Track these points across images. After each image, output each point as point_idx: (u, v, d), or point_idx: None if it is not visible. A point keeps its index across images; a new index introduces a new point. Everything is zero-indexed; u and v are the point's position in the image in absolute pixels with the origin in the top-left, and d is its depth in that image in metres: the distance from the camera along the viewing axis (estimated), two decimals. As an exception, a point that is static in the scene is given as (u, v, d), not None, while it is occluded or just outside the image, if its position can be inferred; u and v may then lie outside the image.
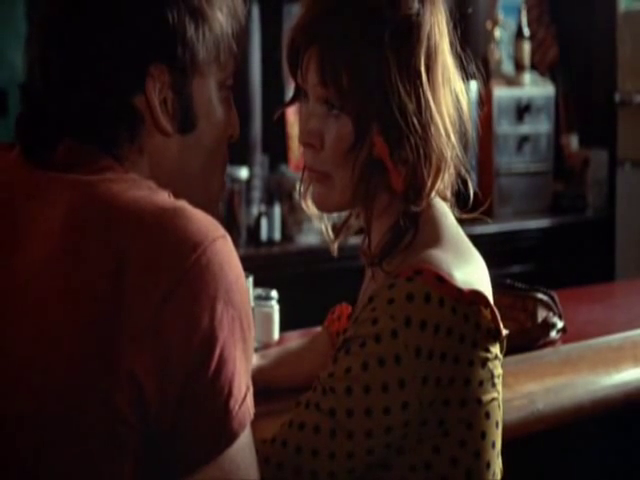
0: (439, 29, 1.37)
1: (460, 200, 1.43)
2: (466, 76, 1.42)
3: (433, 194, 1.37)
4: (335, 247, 1.51)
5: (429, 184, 1.36)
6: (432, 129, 1.34)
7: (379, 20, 1.33)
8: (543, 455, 2.18)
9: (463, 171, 1.41)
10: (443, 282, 1.28)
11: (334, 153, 1.36)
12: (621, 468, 2.39)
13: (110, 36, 1.19)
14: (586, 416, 2.05)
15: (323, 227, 1.51)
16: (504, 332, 1.35)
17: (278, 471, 1.28)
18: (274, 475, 1.28)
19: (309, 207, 1.47)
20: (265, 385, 1.65)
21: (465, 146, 1.40)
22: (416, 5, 1.36)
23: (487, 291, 1.34)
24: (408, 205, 1.35)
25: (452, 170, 1.39)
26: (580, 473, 2.30)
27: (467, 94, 1.40)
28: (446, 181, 1.39)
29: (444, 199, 1.41)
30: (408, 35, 1.34)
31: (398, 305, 1.27)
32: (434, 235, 1.36)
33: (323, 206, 1.43)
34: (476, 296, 1.30)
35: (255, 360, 1.68)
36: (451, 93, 1.38)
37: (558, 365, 2.02)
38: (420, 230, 1.35)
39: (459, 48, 1.40)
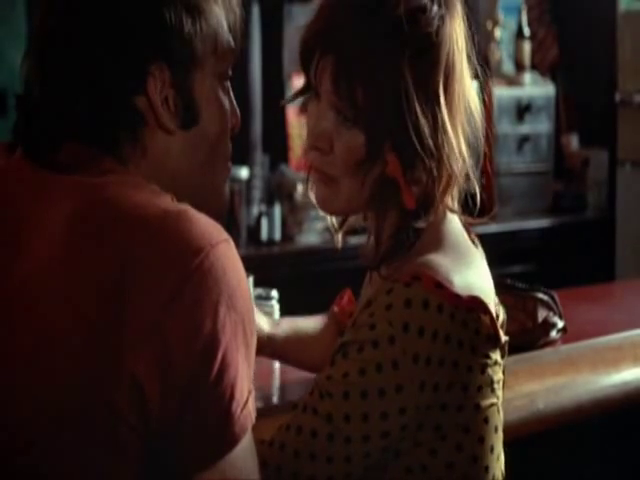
0: (457, 46, 1.34)
1: (467, 207, 1.42)
2: (480, 86, 1.40)
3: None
4: (339, 237, 1.49)
5: (438, 201, 1.34)
6: (447, 149, 1.32)
7: (399, 37, 1.30)
8: (543, 455, 2.18)
9: (472, 184, 1.38)
10: (442, 288, 1.27)
11: (343, 162, 1.34)
12: (621, 468, 2.39)
13: (109, 38, 1.19)
14: (586, 416, 2.05)
15: (328, 217, 1.49)
16: (504, 339, 1.34)
17: (277, 474, 1.28)
18: (273, 479, 1.27)
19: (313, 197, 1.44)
20: (270, 356, 1.65)
21: (477, 160, 1.39)
22: (436, 22, 1.32)
23: (488, 296, 1.33)
24: (416, 220, 1.34)
25: (461, 182, 1.37)
26: (580, 473, 2.30)
27: (482, 110, 1.38)
28: (454, 195, 1.38)
29: (451, 211, 1.39)
30: (427, 54, 1.31)
31: (396, 311, 1.26)
32: (434, 239, 1.35)
33: (326, 209, 1.41)
34: (475, 302, 1.30)
35: (267, 326, 1.66)
36: (466, 110, 1.36)
37: (558, 365, 2.02)
38: (421, 236, 1.34)
39: (475, 60, 1.38)
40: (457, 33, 1.35)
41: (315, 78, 1.35)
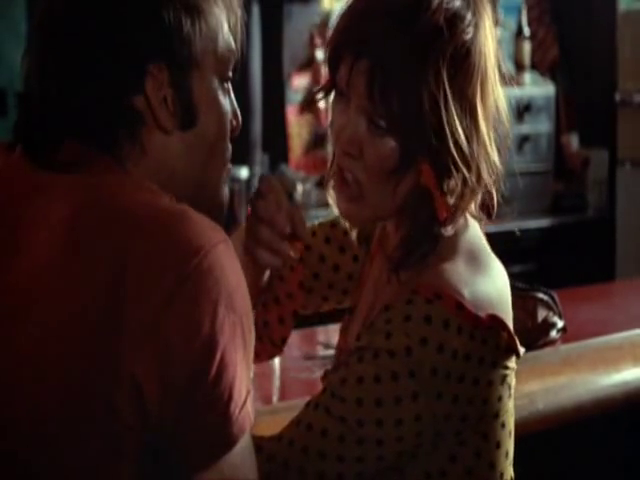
0: (490, 53, 1.33)
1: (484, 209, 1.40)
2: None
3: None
4: (354, 234, 1.46)
5: (464, 209, 1.33)
6: (482, 159, 1.31)
7: (437, 44, 1.27)
8: (543, 455, 2.18)
9: (496, 189, 1.37)
10: (462, 309, 1.26)
11: (373, 169, 1.31)
12: (621, 468, 2.39)
13: (108, 38, 1.18)
14: (586, 416, 2.05)
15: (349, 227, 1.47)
16: (522, 351, 1.32)
17: (284, 470, 1.27)
18: (280, 474, 1.27)
19: (330, 192, 1.40)
20: None
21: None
22: (472, 30, 1.30)
23: (505, 307, 1.32)
24: (445, 229, 1.31)
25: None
26: (580, 473, 2.30)
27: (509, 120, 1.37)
28: (476, 199, 1.36)
29: (473, 216, 1.37)
30: (464, 62, 1.29)
31: (415, 324, 1.25)
32: (453, 247, 1.32)
33: (352, 221, 1.40)
34: (494, 321, 1.28)
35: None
36: (496, 120, 1.35)
37: (558, 365, 2.02)
38: (441, 241, 1.32)
39: (502, 63, 1.36)
40: (489, 39, 1.33)
41: (347, 82, 1.30)
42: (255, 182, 4.39)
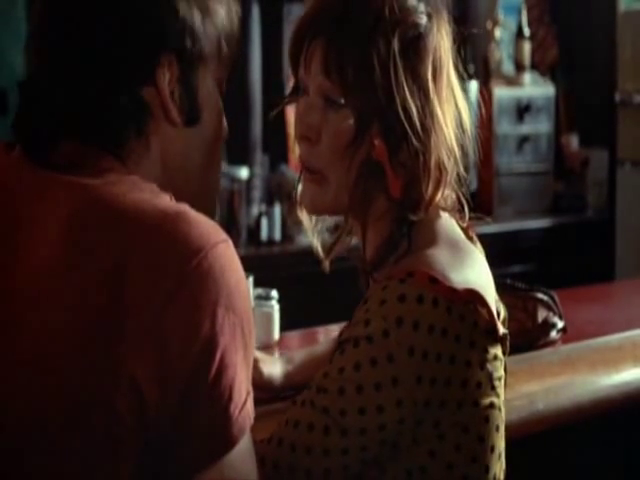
0: (444, 48, 1.37)
1: (462, 210, 1.42)
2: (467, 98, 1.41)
3: (432, 206, 1.36)
4: (327, 264, 1.50)
5: (428, 196, 1.34)
6: (434, 137, 1.34)
7: (390, 21, 1.33)
8: (543, 455, 2.18)
9: (465, 186, 1.39)
10: (436, 283, 1.27)
11: (331, 149, 1.35)
12: (621, 468, 2.39)
13: (122, 24, 1.18)
14: (586, 416, 2.05)
15: (314, 243, 1.49)
16: (501, 331, 1.34)
17: (274, 470, 1.28)
18: (270, 475, 1.28)
19: (304, 215, 1.45)
20: (291, 389, 1.66)
21: (466, 167, 1.39)
22: (425, 17, 1.36)
23: (486, 291, 1.33)
24: (405, 213, 1.34)
25: (453, 185, 1.37)
26: (580, 473, 2.30)
27: (470, 118, 1.40)
28: (447, 196, 1.38)
29: (443, 210, 1.39)
30: (416, 43, 1.34)
31: (390, 306, 1.27)
32: (429, 237, 1.35)
33: (315, 206, 1.41)
34: (472, 295, 1.29)
35: (280, 365, 1.68)
36: (454, 111, 1.37)
37: (558, 365, 2.02)
38: (414, 235, 1.34)
39: (462, 70, 1.40)
40: (443, 38, 1.38)
41: (305, 66, 1.36)
42: (255, 182, 4.40)
